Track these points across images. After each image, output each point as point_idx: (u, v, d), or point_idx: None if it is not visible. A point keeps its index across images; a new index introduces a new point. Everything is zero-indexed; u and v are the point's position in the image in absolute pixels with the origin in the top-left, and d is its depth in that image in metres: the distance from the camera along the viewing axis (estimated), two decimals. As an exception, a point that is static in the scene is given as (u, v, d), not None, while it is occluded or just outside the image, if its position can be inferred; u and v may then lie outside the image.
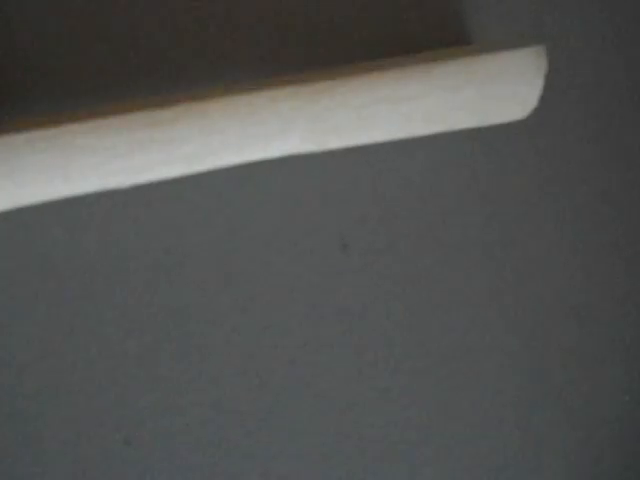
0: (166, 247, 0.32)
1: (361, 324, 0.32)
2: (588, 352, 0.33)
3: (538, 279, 0.33)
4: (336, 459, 0.31)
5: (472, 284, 0.33)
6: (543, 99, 0.34)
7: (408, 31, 0.34)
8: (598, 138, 0.34)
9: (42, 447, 0.30)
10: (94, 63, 0.33)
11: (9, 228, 0.31)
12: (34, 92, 0.32)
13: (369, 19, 0.34)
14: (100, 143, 0.30)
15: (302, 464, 0.32)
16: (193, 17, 0.34)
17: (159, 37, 0.34)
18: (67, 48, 0.33)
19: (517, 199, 0.34)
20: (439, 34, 0.34)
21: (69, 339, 0.31)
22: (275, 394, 0.32)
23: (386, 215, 0.33)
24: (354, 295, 0.32)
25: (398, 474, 0.31)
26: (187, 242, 0.32)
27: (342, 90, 0.31)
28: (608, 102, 0.35)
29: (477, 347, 0.33)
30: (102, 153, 0.30)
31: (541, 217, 0.34)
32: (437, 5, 0.35)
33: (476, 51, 0.32)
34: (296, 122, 0.31)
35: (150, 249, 0.32)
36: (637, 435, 0.32)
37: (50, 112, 0.32)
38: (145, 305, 0.31)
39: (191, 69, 0.34)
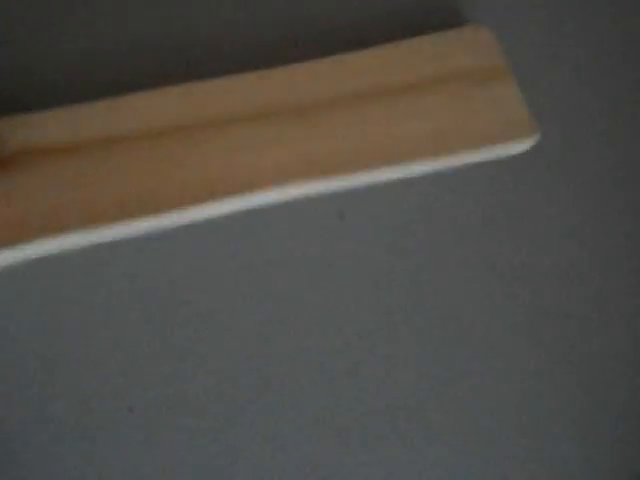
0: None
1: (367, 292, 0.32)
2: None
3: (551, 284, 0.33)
4: (337, 428, 0.31)
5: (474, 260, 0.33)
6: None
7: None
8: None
9: (46, 414, 0.30)
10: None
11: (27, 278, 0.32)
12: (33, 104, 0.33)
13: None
14: None
15: (304, 432, 0.31)
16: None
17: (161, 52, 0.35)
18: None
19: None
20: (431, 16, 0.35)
21: (72, 308, 0.31)
22: (276, 362, 0.31)
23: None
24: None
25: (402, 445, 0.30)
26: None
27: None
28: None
29: (477, 318, 0.32)
30: None
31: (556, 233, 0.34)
32: None
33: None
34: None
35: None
36: None
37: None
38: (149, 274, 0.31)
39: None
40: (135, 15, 0.35)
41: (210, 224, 0.32)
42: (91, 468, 0.30)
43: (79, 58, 0.34)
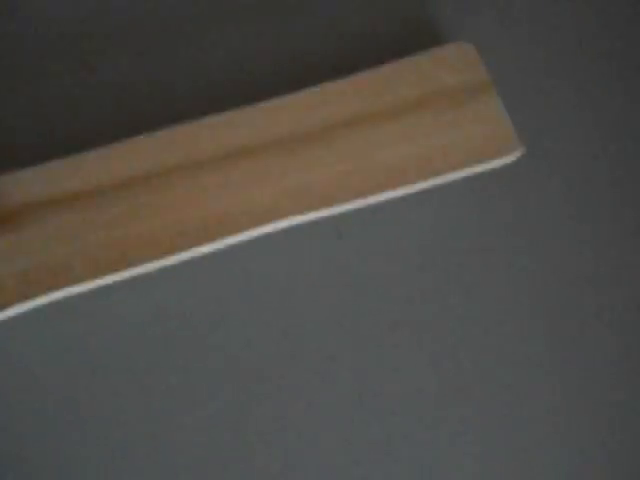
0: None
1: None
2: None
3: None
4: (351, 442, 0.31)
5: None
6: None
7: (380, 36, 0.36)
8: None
9: (64, 449, 0.31)
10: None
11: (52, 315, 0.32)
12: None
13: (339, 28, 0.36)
14: None
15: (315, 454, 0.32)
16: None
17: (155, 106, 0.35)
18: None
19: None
20: (412, 37, 0.36)
21: (81, 348, 0.32)
22: (288, 384, 0.32)
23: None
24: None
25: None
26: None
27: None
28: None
29: (476, 329, 0.33)
30: None
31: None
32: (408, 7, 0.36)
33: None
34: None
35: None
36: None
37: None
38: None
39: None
40: (119, 63, 0.35)
41: (208, 256, 0.33)
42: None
43: (65, 109, 0.35)
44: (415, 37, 0.36)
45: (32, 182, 0.32)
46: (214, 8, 0.36)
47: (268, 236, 0.34)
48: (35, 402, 0.32)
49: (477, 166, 0.33)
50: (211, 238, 0.32)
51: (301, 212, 0.32)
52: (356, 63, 0.35)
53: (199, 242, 0.31)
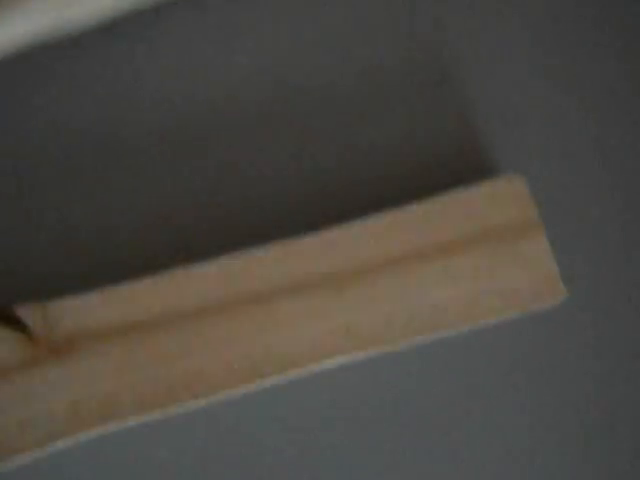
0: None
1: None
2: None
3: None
4: None
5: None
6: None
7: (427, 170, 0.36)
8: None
9: None
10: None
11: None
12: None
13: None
14: None
15: None
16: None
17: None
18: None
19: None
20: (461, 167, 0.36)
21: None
22: None
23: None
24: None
25: None
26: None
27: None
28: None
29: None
30: None
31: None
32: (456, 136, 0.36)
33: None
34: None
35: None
36: None
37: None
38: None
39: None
40: (153, 191, 0.36)
41: (252, 395, 0.34)
42: None
43: (96, 238, 0.35)
44: (463, 167, 0.36)
45: (84, 310, 0.33)
46: (247, 132, 0.36)
47: (313, 375, 0.34)
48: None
49: (518, 309, 0.33)
50: (258, 376, 0.32)
51: (346, 353, 0.32)
52: (401, 195, 0.35)
53: (245, 381, 0.32)
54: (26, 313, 0.32)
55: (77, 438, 0.32)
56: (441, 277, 0.33)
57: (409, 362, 0.34)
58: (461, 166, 0.36)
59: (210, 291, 0.33)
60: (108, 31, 0.36)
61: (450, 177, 0.36)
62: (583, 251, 0.36)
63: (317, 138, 0.36)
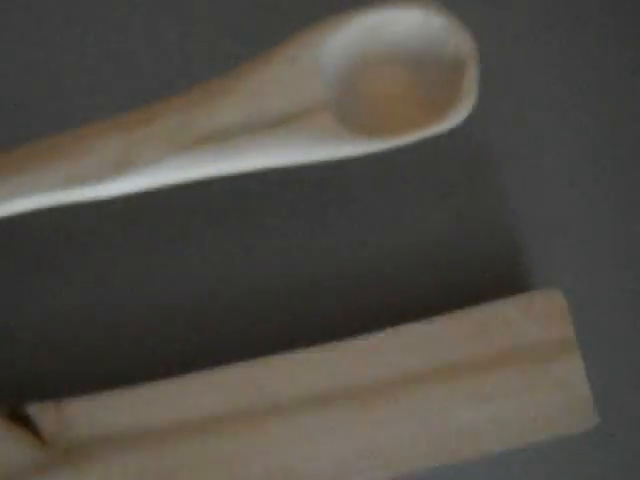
0: None
1: None
2: None
3: None
4: None
5: None
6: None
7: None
8: None
9: None
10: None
11: None
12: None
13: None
14: None
15: None
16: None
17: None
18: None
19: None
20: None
21: None
22: None
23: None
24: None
25: None
26: None
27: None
28: None
29: None
30: None
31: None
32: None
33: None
34: None
35: None
36: None
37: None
38: None
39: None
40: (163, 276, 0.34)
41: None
42: None
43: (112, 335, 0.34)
44: (497, 279, 0.35)
45: (99, 412, 0.32)
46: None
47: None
48: None
49: (548, 433, 0.32)
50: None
51: (364, 473, 0.31)
52: (432, 306, 0.34)
53: None
54: (39, 413, 0.32)
55: None
56: (470, 397, 0.32)
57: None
58: (495, 280, 0.34)
59: (228, 399, 0.32)
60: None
61: (482, 289, 0.34)
62: (615, 372, 0.34)
63: (344, 249, 0.35)
